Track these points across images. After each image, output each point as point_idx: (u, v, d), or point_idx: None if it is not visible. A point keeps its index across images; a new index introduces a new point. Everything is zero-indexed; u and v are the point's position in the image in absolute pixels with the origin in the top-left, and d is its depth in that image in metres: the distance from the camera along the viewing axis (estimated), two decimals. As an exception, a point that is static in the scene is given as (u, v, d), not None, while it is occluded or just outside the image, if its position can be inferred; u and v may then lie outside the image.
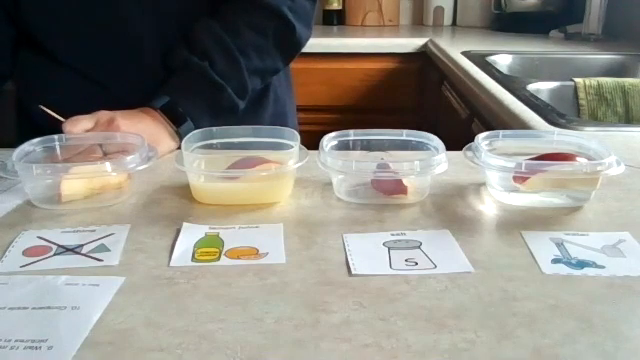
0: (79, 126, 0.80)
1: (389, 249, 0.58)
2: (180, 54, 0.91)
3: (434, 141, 0.73)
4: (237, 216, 0.66)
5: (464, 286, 0.52)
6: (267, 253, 0.57)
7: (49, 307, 0.48)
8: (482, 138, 0.72)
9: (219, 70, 0.89)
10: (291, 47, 0.97)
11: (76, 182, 0.68)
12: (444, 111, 1.76)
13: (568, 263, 0.56)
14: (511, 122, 1.09)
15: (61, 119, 0.81)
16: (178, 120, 0.87)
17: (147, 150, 0.71)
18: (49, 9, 0.90)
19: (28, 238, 0.61)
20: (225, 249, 0.58)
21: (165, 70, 0.92)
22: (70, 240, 0.60)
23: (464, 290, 0.51)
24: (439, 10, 2.50)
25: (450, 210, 0.67)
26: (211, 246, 0.59)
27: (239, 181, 0.69)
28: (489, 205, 0.69)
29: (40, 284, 0.52)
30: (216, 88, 0.89)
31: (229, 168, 0.70)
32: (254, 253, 0.58)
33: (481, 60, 1.60)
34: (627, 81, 1.38)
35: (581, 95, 1.39)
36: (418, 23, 2.59)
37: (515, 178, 0.67)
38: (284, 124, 1.03)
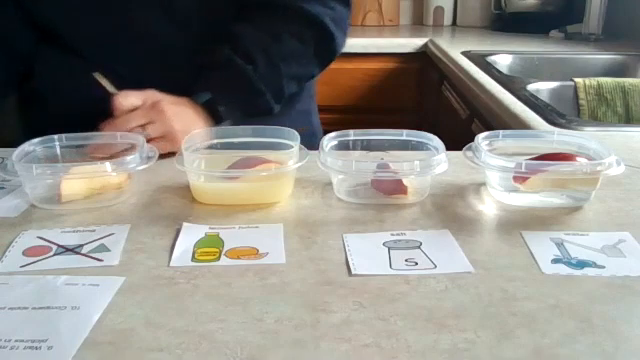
0: (129, 100, 0.81)
1: (389, 249, 0.58)
2: (223, 52, 0.91)
3: (434, 141, 0.73)
4: (237, 216, 0.66)
5: (464, 286, 0.52)
6: (267, 253, 0.57)
7: (49, 307, 0.48)
8: (482, 138, 0.72)
9: (261, 74, 0.90)
10: (329, 55, 0.99)
11: (76, 182, 0.68)
12: (444, 111, 1.76)
13: (568, 263, 0.56)
14: (511, 122, 1.09)
15: (114, 91, 0.82)
16: (216, 118, 0.88)
17: (147, 150, 0.71)
18: (66, 9, 0.91)
19: (28, 238, 0.61)
20: (225, 249, 0.58)
21: (190, 67, 0.92)
22: (70, 240, 0.60)
23: (464, 290, 0.51)
24: (439, 10, 2.50)
25: (450, 210, 0.67)
26: (211, 246, 0.59)
27: (239, 181, 0.69)
28: (489, 205, 0.69)
29: (40, 284, 0.52)
30: (256, 92, 0.91)
31: (229, 168, 0.70)
32: (254, 253, 0.58)
33: (481, 60, 1.60)
34: (627, 81, 1.38)
35: (581, 95, 1.39)
36: (418, 23, 2.59)
37: (515, 178, 0.67)
38: (309, 122, 1.06)
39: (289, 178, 0.70)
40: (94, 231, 0.62)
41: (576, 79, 1.40)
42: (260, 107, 0.93)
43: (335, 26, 0.95)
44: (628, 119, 1.36)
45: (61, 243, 0.60)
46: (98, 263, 0.56)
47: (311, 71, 0.99)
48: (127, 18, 0.92)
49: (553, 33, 2.11)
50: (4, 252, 0.58)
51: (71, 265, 0.56)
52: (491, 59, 1.64)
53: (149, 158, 0.70)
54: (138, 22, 0.92)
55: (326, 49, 0.97)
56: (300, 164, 0.68)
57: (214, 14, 0.93)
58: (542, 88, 1.36)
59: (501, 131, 0.74)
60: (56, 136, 0.75)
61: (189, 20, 0.93)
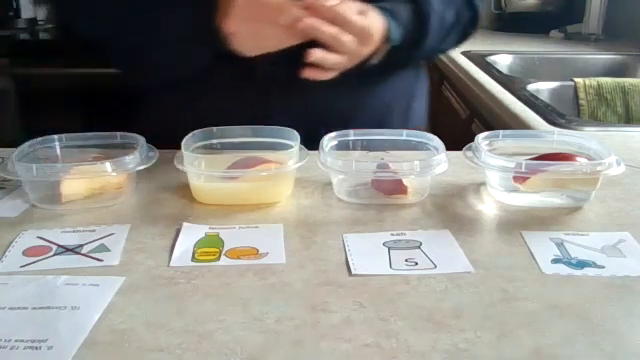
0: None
1: (389, 249, 0.58)
2: None
3: (434, 141, 0.73)
4: (237, 216, 0.66)
5: (464, 286, 0.52)
6: (267, 253, 0.57)
7: (49, 307, 0.48)
8: (482, 138, 0.72)
9: (431, 33, 0.86)
10: (460, 42, 0.96)
11: (76, 182, 0.68)
12: (444, 111, 1.76)
13: (568, 263, 0.56)
14: (511, 122, 1.09)
15: None
16: (386, 57, 0.82)
17: (147, 150, 0.71)
18: None
19: (28, 238, 0.61)
20: (225, 249, 0.58)
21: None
22: (70, 240, 0.60)
23: (464, 290, 0.51)
24: (439, 10, 2.50)
25: (450, 210, 0.67)
26: (211, 246, 0.59)
27: (239, 181, 0.69)
28: (489, 205, 0.69)
29: (40, 284, 0.52)
30: (418, 41, 0.85)
31: (229, 168, 0.70)
32: (254, 253, 0.58)
33: (481, 60, 1.60)
34: (627, 81, 1.38)
35: (581, 95, 1.39)
36: (418, 23, 2.58)
37: (515, 178, 0.67)
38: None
39: (289, 178, 0.70)
40: (94, 231, 0.62)
41: (576, 79, 1.40)
42: (404, 58, 0.88)
43: (479, 18, 0.93)
44: (628, 119, 1.36)
45: (61, 243, 0.60)
46: (98, 263, 0.56)
47: (442, 50, 0.96)
48: None
49: (553, 33, 2.12)
50: (4, 252, 0.58)
51: (71, 265, 0.56)
52: (491, 59, 1.64)
53: (149, 158, 0.70)
54: None
55: (465, 36, 0.94)
56: (300, 164, 0.68)
57: None
58: (542, 88, 1.36)
59: (501, 131, 0.74)
60: (56, 136, 0.75)
61: None
